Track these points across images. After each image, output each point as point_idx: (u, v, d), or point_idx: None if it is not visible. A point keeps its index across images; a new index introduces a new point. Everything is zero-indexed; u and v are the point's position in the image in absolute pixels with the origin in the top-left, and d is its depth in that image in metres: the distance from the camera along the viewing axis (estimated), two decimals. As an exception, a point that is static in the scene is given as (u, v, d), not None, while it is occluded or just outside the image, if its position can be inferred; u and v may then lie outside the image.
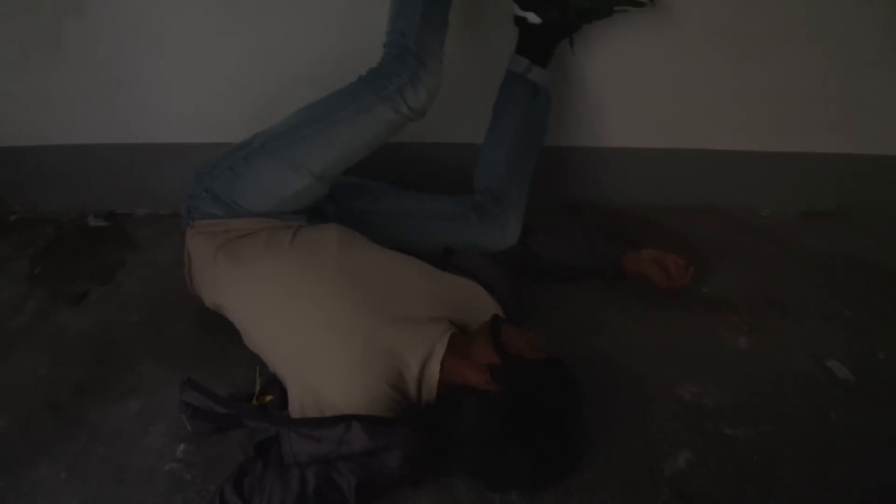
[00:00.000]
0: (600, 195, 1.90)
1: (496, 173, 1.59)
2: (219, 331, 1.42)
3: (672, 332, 1.50)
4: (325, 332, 1.20)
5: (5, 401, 1.35)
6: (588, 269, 1.59)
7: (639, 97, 1.74)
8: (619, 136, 1.80)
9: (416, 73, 1.34)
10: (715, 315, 1.55)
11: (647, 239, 1.76)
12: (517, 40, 1.57)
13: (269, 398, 1.25)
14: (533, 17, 1.53)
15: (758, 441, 1.26)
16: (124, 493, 1.19)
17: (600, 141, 1.80)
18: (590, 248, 1.58)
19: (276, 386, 1.27)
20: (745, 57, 1.67)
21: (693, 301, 1.59)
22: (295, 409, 1.18)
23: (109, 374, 1.41)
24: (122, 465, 1.23)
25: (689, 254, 1.67)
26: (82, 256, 1.73)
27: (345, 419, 1.10)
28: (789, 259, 1.73)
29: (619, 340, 1.48)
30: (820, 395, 1.35)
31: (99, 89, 1.70)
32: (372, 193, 1.58)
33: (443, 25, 1.37)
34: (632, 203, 1.90)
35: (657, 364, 1.42)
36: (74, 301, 1.59)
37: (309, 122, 1.38)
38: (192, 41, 1.65)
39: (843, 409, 1.32)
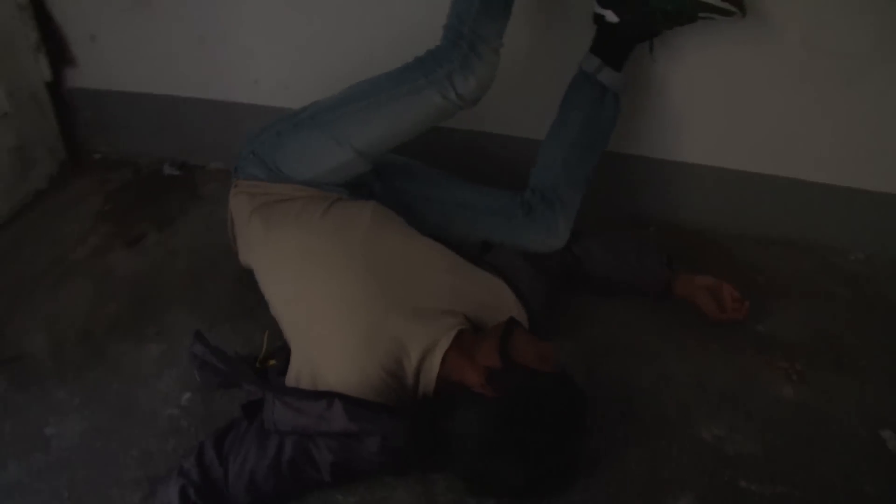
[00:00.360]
0: (670, 212, 1.79)
1: (550, 173, 1.53)
2: (252, 291, 1.45)
3: (710, 367, 1.40)
4: (333, 309, 1.20)
5: (47, 322, 1.46)
6: (633, 285, 1.51)
7: (723, 113, 1.62)
8: (697, 152, 1.69)
9: (468, 60, 1.31)
10: (764, 356, 1.42)
11: (710, 264, 1.64)
12: (594, 38, 1.50)
13: (272, 363, 1.27)
14: (611, 16, 1.45)
15: (772, 502, 1.15)
16: (126, 428, 1.25)
17: (676, 155, 1.70)
18: (639, 263, 1.50)
19: (283, 352, 1.29)
20: (848, 84, 1.51)
21: (743, 337, 1.47)
22: (291, 377, 1.19)
23: (143, 315, 1.49)
24: (131, 403, 1.30)
25: (753, 287, 1.57)
26: (150, 201, 1.83)
27: (328, 395, 1.10)
28: (866, 310, 1.56)
29: (650, 365, 1.39)
30: (860, 464, 1.21)
31: (185, 46, 1.78)
32: (421, 177, 1.56)
33: (502, 14, 1.32)
34: (703, 225, 1.77)
35: (685, 397, 1.33)
36: (131, 242, 1.68)
37: (359, 97, 1.38)
38: (269, 10, 1.70)
39: (883, 485, 1.17)
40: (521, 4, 1.41)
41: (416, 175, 1.57)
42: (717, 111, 1.62)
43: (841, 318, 1.54)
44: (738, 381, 1.37)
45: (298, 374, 1.18)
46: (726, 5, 1.37)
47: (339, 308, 1.20)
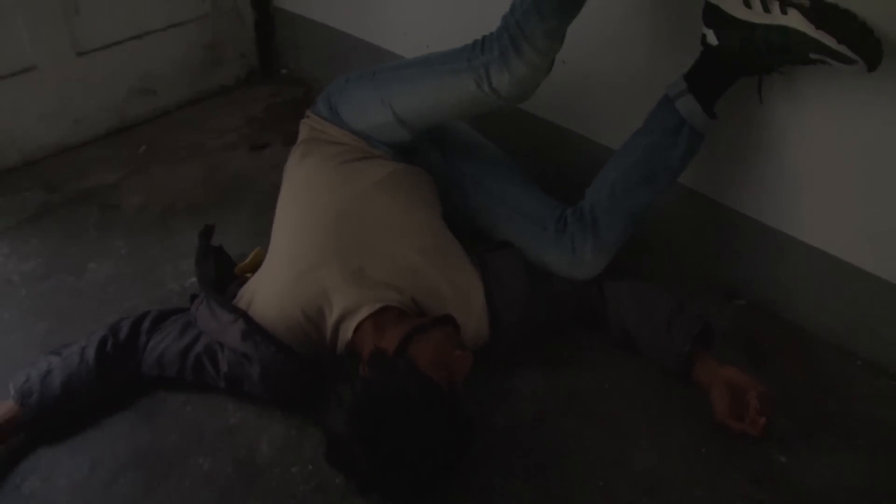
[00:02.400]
0: (769, 292, 1.51)
1: (597, 195, 1.42)
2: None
3: (677, 477, 1.20)
4: (285, 242, 1.32)
5: (151, 187, 1.83)
6: (651, 350, 1.36)
7: (857, 196, 1.31)
8: (816, 233, 1.40)
9: (507, 55, 1.27)
10: (756, 487, 1.18)
11: (783, 367, 1.40)
12: (695, 61, 1.34)
13: (248, 275, 1.43)
14: (711, 37, 1.27)
15: None
16: (138, 285, 1.54)
17: (789, 227, 1.43)
18: (667, 330, 1.33)
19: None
20: None
21: (757, 462, 1.23)
22: (240, 293, 1.33)
23: (218, 208, 1.75)
24: (155, 270, 1.58)
25: (817, 412, 1.32)
26: (296, 120, 2.11)
27: (237, 312, 1.23)
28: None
29: (606, 442, 1.25)
30: None
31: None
32: (480, 160, 1.56)
33: (554, 15, 1.23)
34: (805, 322, 1.47)
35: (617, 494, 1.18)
36: (255, 147, 1.98)
37: (412, 65, 1.43)
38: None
39: None
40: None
41: (477, 157, 1.57)
42: (849, 191, 1.32)
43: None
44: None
45: (244, 292, 1.31)
46: (845, 50, 1.12)
47: (290, 243, 1.31)
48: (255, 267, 1.43)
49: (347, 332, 1.22)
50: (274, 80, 2.31)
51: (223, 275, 1.41)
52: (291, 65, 2.33)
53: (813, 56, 1.16)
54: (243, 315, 1.22)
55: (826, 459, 1.24)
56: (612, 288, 1.41)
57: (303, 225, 1.33)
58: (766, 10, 1.19)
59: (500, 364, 1.36)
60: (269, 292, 1.27)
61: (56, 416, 1.22)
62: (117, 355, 1.27)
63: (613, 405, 1.32)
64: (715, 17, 1.26)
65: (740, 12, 1.22)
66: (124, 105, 2.00)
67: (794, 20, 1.16)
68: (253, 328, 1.21)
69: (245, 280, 1.40)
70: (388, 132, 1.45)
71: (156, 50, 2.01)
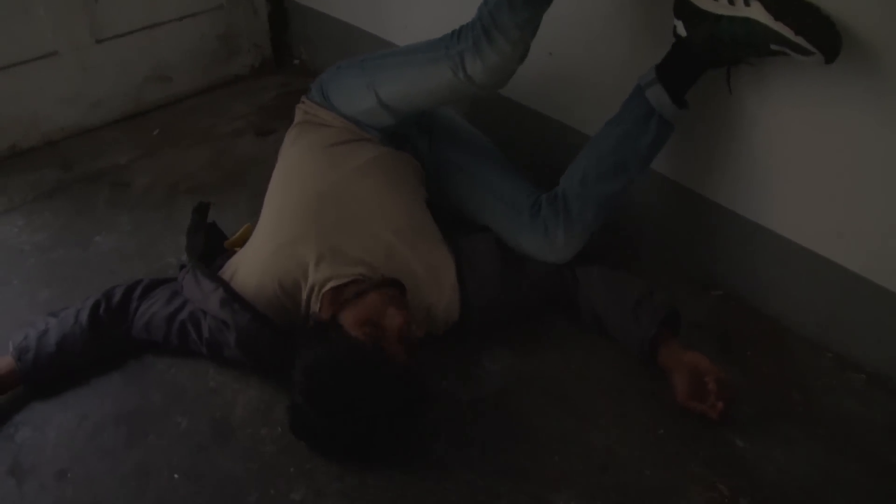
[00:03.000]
0: (747, 285, 1.54)
1: (570, 181, 1.47)
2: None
3: (631, 457, 1.25)
4: (269, 218, 1.41)
5: (161, 168, 1.95)
6: (619, 334, 1.41)
7: (832, 187, 1.33)
8: (789, 225, 1.42)
9: (479, 44, 1.33)
10: (709, 475, 1.22)
11: (759, 357, 1.44)
12: (667, 52, 1.38)
13: (236, 249, 1.53)
14: (681, 28, 1.32)
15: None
16: (139, 258, 1.65)
17: (762, 218, 1.46)
18: (634, 314, 1.38)
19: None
20: None
21: (713, 446, 1.27)
22: (225, 265, 1.42)
23: (220, 189, 1.86)
24: (156, 244, 1.70)
25: (784, 402, 1.35)
26: (304, 108, 2.22)
27: (219, 281, 1.32)
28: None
29: (565, 420, 1.31)
30: None
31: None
32: (464, 146, 1.62)
33: (525, 7, 1.29)
34: (782, 315, 1.50)
35: (572, 468, 1.24)
36: (261, 133, 2.09)
37: (397, 54, 1.51)
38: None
39: None
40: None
41: (461, 143, 1.64)
42: (819, 182, 1.35)
43: (846, 469, 1.22)
44: (654, 489, 1.21)
45: (230, 265, 1.41)
46: (802, 41, 1.16)
47: (273, 220, 1.40)
48: (243, 242, 1.52)
49: (315, 304, 1.30)
50: (286, 70, 2.41)
51: (213, 248, 1.51)
52: (303, 56, 2.43)
53: (774, 48, 1.20)
54: (223, 284, 1.31)
55: (784, 447, 1.27)
56: (584, 273, 1.46)
57: (287, 203, 1.42)
58: (731, 2, 1.23)
59: (472, 342, 1.43)
60: (250, 264, 1.36)
61: (50, 372, 1.34)
62: (109, 319, 1.38)
63: (577, 386, 1.38)
64: (684, 8, 1.30)
65: (707, 4, 1.26)
66: (140, 90, 2.13)
67: (756, 12, 1.19)
68: (231, 296, 1.30)
69: (233, 254, 1.49)
70: (374, 117, 1.53)
71: (171, 39, 2.13)
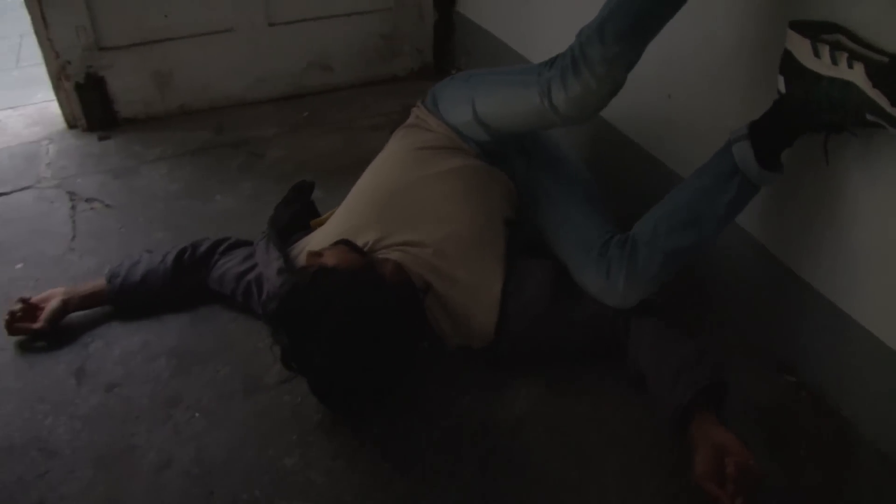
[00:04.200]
0: (823, 374, 1.40)
1: (643, 227, 1.41)
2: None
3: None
4: (345, 207, 1.54)
5: (295, 148, 2.14)
6: (653, 398, 1.35)
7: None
8: (877, 318, 1.27)
9: (566, 74, 1.34)
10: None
11: (815, 453, 1.30)
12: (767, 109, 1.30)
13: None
14: (782, 84, 1.23)
15: None
16: (244, 224, 1.85)
17: (854, 311, 1.31)
18: (674, 380, 1.31)
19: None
20: None
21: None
22: (302, 241, 1.57)
23: (335, 173, 1.98)
24: (262, 219, 1.86)
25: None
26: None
27: (282, 251, 1.47)
28: None
29: (581, 467, 1.28)
30: None
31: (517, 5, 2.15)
32: (561, 175, 1.62)
33: (616, 42, 1.27)
34: (858, 418, 1.34)
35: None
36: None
37: (499, 72, 1.57)
38: None
39: None
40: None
41: (556, 171, 1.64)
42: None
43: None
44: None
45: (303, 241, 1.55)
46: (901, 117, 1.05)
47: (347, 207, 1.52)
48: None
49: None
50: (443, 77, 2.53)
51: (300, 224, 1.66)
52: (462, 66, 2.55)
53: (869, 118, 1.10)
54: (285, 255, 1.45)
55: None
56: (638, 324, 1.41)
57: (363, 195, 1.53)
58: (834, 62, 1.14)
59: (508, 365, 1.44)
60: (315, 245, 1.48)
61: (132, 298, 1.56)
62: (191, 265, 1.58)
63: (596, 437, 1.33)
64: (788, 64, 1.23)
65: (810, 62, 1.18)
66: (301, 75, 2.37)
67: (857, 76, 1.10)
68: (289, 267, 1.43)
69: (311, 226, 1.64)
70: (471, 130, 1.59)
71: (338, 32, 2.35)
